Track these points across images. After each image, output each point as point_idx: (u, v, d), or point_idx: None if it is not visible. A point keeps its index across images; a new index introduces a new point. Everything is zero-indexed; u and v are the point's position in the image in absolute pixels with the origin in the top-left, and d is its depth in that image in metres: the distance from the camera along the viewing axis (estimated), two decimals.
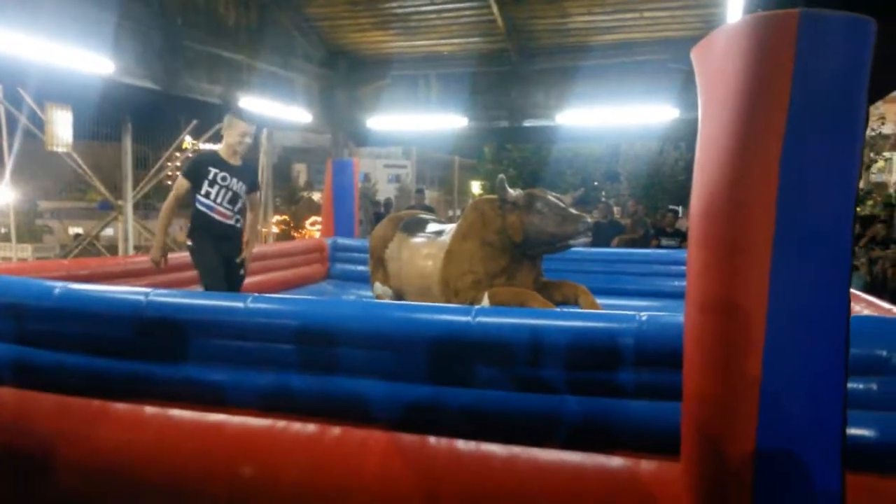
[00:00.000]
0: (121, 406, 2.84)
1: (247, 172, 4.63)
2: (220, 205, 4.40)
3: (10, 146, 10.38)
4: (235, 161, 4.48)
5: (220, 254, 4.47)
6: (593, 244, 5.85)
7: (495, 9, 8.35)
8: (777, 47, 1.59)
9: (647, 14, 8.20)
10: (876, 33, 1.61)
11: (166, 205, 4.47)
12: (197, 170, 4.40)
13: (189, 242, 4.53)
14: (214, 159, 4.46)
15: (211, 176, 4.37)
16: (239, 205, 4.51)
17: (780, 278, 1.61)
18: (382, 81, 10.25)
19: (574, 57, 9.16)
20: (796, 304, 1.63)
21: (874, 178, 15.71)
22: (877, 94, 6.55)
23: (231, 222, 4.48)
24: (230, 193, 4.43)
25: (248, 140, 4.52)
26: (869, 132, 13.48)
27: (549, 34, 9.06)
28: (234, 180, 4.44)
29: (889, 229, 9.01)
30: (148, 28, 7.03)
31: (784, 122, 1.59)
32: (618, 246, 8.87)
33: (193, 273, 5.39)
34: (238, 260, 4.57)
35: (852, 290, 4.17)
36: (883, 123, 13.73)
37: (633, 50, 8.87)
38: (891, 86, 5.99)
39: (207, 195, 4.37)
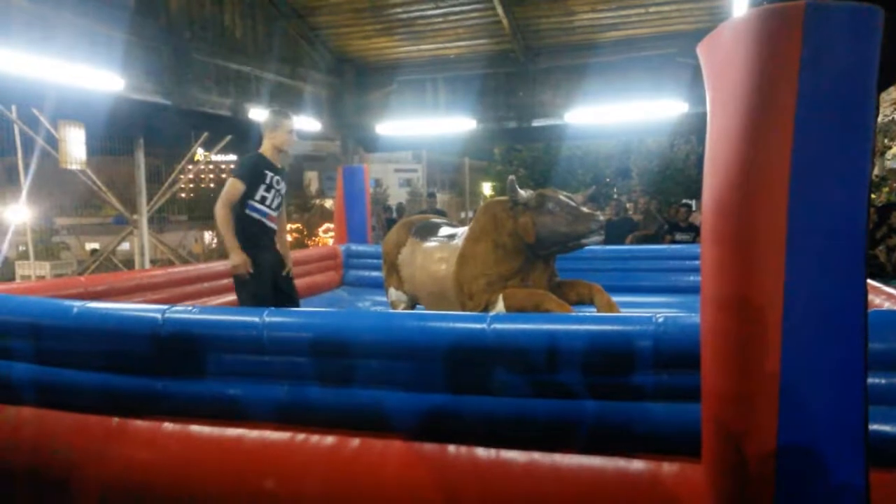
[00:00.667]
0: (140, 423, 2.86)
1: (286, 174, 4.36)
2: (274, 210, 4.19)
3: (27, 166, 10.51)
4: (278, 163, 4.24)
5: (270, 274, 4.19)
6: (607, 242, 5.83)
7: (500, 10, 8.35)
8: (783, 40, 1.58)
9: (652, 9, 8.17)
10: (883, 22, 1.59)
11: (224, 212, 3.98)
12: (256, 172, 4.07)
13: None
14: (267, 162, 4.15)
15: (268, 180, 4.10)
16: (283, 209, 4.34)
17: (795, 273, 1.59)
18: (390, 87, 10.28)
19: (581, 55, 9.14)
20: (812, 299, 1.61)
21: (889, 164, 15.51)
22: (887, 81, 6.47)
23: (276, 226, 4.27)
24: (280, 198, 4.23)
25: (296, 138, 4.30)
26: (882, 118, 13.32)
27: (554, 33, 9.05)
28: (284, 184, 4.26)
29: None
30: (156, 43, 7.10)
31: (793, 115, 1.57)
32: (632, 242, 8.83)
33: (209, 285, 5.43)
34: (284, 273, 4.34)
35: (873, 283, 4.14)
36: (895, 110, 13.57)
37: (640, 45, 8.84)
38: None
39: (263, 200, 4.09)
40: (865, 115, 1.59)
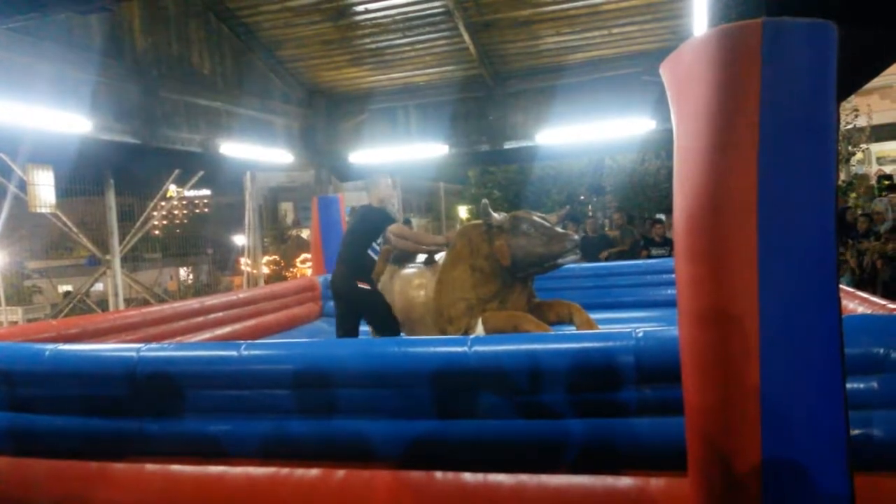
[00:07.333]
0: (120, 466, 2.81)
1: None
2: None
3: None
4: None
5: None
6: (585, 259, 5.85)
7: (466, 36, 8.44)
8: (743, 57, 1.61)
9: (615, 30, 8.30)
10: (839, 35, 1.63)
11: (418, 235, 5.09)
12: None
13: (371, 288, 4.64)
14: None
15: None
16: None
17: (768, 285, 1.61)
18: (361, 116, 10.30)
19: (548, 77, 9.25)
20: (787, 310, 1.62)
21: (854, 169, 15.82)
22: (846, 91, 6.64)
23: None
24: None
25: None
26: (845, 125, 13.60)
27: (521, 57, 9.15)
28: None
29: (870, 221, 9.10)
30: (124, 83, 7.05)
31: (757, 131, 1.60)
32: (607, 259, 8.89)
33: (185, 324, 5.36)
34: None
35: (846, 288, 4.20)
36: (857, 116, 13.87)
37: (606, 66, 8.96)
38: (859, 82, 6.06)
39: (377, 243, 4.71)
40: (827, 126, 1.63)
